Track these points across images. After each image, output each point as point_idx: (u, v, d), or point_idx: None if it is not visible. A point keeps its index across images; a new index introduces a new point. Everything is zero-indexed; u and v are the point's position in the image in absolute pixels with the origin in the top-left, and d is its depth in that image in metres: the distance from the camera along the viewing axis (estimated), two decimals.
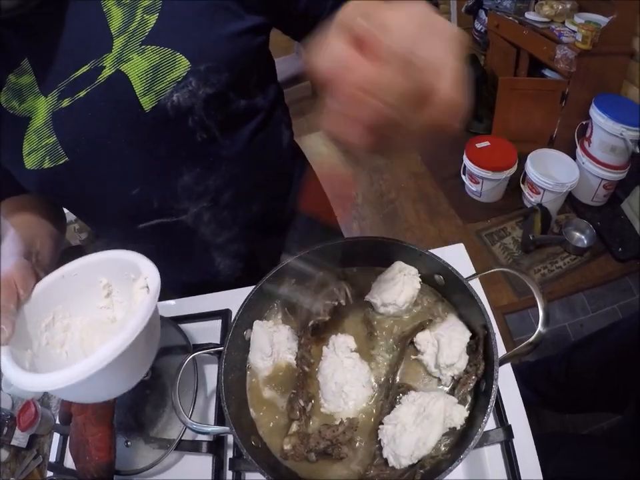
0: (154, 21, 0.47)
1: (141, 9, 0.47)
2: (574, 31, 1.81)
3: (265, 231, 0.74)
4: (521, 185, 2.01)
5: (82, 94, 0.48)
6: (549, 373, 1.25)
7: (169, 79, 0.47)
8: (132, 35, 0.47)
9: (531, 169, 1.86)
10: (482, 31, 2.82)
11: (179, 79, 0.48)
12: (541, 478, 0.53)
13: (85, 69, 0.47)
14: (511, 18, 2.11)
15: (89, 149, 0.51)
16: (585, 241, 1.86)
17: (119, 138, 0.51)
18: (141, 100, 0.48)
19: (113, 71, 0.47)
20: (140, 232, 0.62)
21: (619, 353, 1.02)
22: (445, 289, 0.59)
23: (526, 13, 2.02)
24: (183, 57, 0.47)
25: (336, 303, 0.53)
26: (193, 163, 0.57)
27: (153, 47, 0.47)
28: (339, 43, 0.29)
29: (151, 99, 0.48)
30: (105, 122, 0.50)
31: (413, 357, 0.55)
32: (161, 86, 0.48)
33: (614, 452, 0.93)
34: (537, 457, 0.55)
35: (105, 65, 0.47)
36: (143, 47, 0.47)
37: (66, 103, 0.48)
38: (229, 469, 0.59)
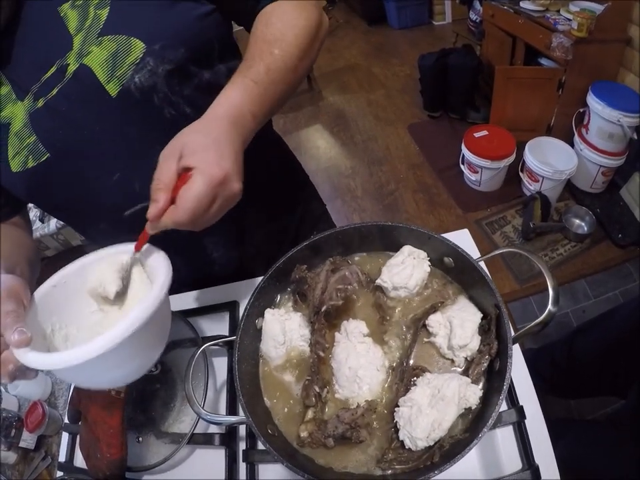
0: (106, 14, 0.51)
1: (92, 6, 0.51)
2: (569, 19, 1.81)
3: (253, 211, 0.74)
4: (520, 174, 2.01)
5: (54, 92, 0.52)
6: (552, 359, 1.26)
7: (127, 63, 0.51)
8: (88, 30, 0.51)
9: (529, 157, 1.87)
10: (477, 21, 2.83)
11: (137, 61, 0.51)
12: (554, 459, 0.54)
13: (53, 69, 0.51)
14: (506, 7, 2.10)
15: (67, 141, 0.54)
16: (585, 228, 1.86)
17: (92, 126, 0.54)
18: (106, 87, 0.52)
19: (77, 65, 0.51)
20: (127, 220, 0.62)
21: (620, 337, 1.02)
22: (454, 272, 0.59)
23: (521, 2, 2.02)
24: (137, 39, 0.51)
25: (349, 287, 0.53)
26: (167, 140, 0.59)
27: (108, 36, 0.50)
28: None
29: (115, 84, 0.52)
30: (78, 113, 0.53)
31: (425, 339, 0.55)
32: (121, 70, 0.51)
33: (617, 435, 0.93)
34: (549, 438, 0.55)
35: (69, 62, 0.51)
36: (99, 38, 0.51)
37: (41, 103, 0.52)
38: (243, 461, 0.59)
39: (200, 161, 0.43)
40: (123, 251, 0.51)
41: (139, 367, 0.48)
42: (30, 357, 0.40)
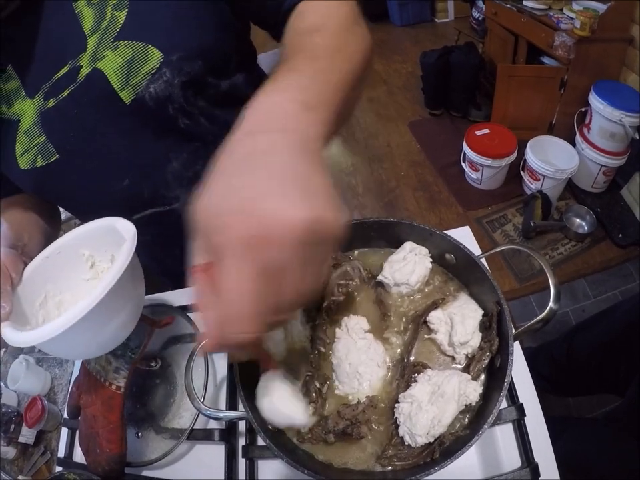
0: (124, 17, 0.48)
1: (110, 7, 0.48)
2: (572, 18, 1.80)
3: None
4: (521, 172, 2.01)
5: (65, 93, 0.50)
6: (552, 357, 1.26)
7: (143, 72, 0.49)
8: (104, 33, 0.48)
9: (530, 156, 1.86)
10: (479, 18, 2.82)
11: (153, 71, 0.49)
12: (553, 457, 0.54)
13: (65, 69, 0.49)
14: (508, 5, 2.09)
15: (78, 144, 0.53)
16: (586, 227, 1.86)
17: (104, 132, 0.53)
18: (120, 94, 0.50)
19: (90, 69, 0.49)
20: (134, 224, 0.62)
21: (620, 335, 1.02)
22: (455, 268, 0.59)
23: (524, 0, 2.00)
24: (155, 48, 0.48)
25: (351, 283, 0.53)
26: (180, 150, 0.57)
27: (125, 42, 0.48)
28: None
29: (129, 92, 0.50)
30: (90, 118, 0.52)
31: (426, 336, 0.55)
32: (136, 79, 0.49)
33: (616, 432, 0.93)
34: (548, 436, 0.55)
35: (82, 64, 0.49)
36: (115, 43, 0.48)
37: (51, 103, 0.50)
38: (242, 457, 0.59)
39: None
40: (117, 224, 0.51)
41: (114, 336, 0.49)
42: (5, 333, 0.43)
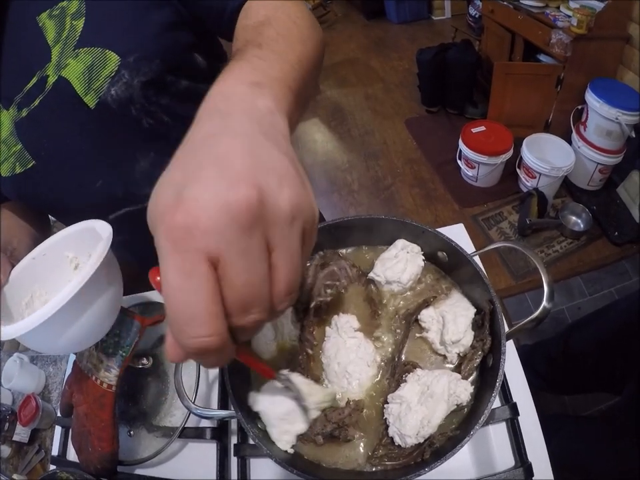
0: (82, 25, 0.50)
1: (69, 17, 0.50)
2: (569, 16, 1.80)
3: None
4: (517, 170, 2.01)
5: (36, 102, 0.53)
6: (548, 355, 1.26)
7: (103, 76, 0.51)
8: (65, 42, 0.51)
9: (526, 154, 1.86)
10: (476, 16, 2.81)
11: (112, 74, 0.51)
12: (547, 456, 0.54)
13: (34, 80, 0.52)
14: (505, 3, 2.09)
15: (52, 149, 0.56)
16: (582, 225, 1.86)
17: (75, 136, 0.55)
18: (84, 99, 0.52)
19: (55, 77, 0.51)
20: (112, 223, 0.64)
21: (616, 333, 1.02)
22: (448, 266, 0.59)
23: None
24: (112, 52, 0.50)
25: (338, 284, 0.53)
26: (146, 148, 0.60)
27: (84, 49, 0.50)
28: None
29: (92, 97, 0.52)
30: (61, 124, 0.54)
31: (417, 334, 0.55)
32: (97, 83, 0.51)
33: (611, 431, 0.94)
34: (542, 435, 0.55)
35: (48, 73, 0.51)
36: (76, 50, 0.50)
37: (24, 112, 0.53)
38: (234, 455, 0.59)
39: None
40: (96, 224, 0.52)
41: (94, 327, 0.50)
42: None
